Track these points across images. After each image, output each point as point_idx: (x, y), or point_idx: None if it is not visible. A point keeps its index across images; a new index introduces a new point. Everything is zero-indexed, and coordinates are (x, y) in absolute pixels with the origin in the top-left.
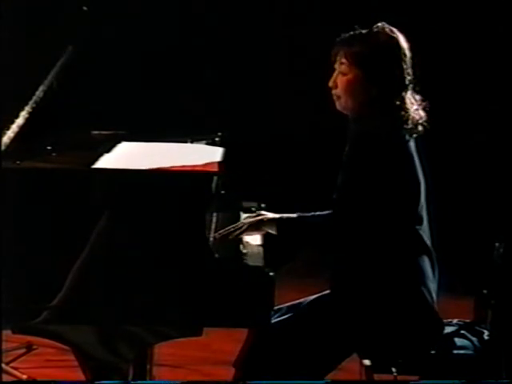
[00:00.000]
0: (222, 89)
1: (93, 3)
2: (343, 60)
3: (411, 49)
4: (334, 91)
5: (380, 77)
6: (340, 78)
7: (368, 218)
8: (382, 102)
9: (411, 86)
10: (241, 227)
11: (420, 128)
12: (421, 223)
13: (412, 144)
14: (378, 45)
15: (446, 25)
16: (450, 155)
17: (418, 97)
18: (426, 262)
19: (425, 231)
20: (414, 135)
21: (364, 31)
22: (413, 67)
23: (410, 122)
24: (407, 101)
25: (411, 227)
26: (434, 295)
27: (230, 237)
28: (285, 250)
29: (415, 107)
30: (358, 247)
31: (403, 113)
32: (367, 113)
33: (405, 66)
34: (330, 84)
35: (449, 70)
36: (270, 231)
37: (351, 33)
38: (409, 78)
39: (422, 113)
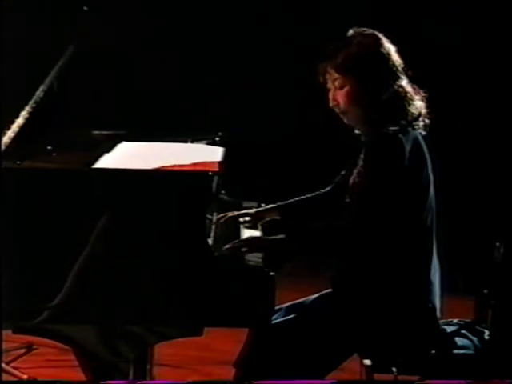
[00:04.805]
0: (221, 89)
1: (93, 3)
2: (336, 75)
3: (393, 43)
4: (337, 109)
5: (374, 75)
6: (339, 93)
7: (384, 222)
8: (382, 99)
9: (405, 77)
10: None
11: (427, 120)
12: (427, 222)
13: (422, 142)
14: (360, 47)
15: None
16: (451, 154)
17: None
18: (429, 262)
19: (431, 231)
20: (422, 130)
21: (341, 41)
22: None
23: (417, 116)
24: (408, 93)
25: (417, 228)
26: (437, 297)
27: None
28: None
29: (417, 98)
30: (363, 249)
31: (407, 106)
32: (377, 117)
33: (392, 59)
34: (331, 104)
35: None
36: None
37: (331, 47)
38: (401, 68)
39: (423, 104)
